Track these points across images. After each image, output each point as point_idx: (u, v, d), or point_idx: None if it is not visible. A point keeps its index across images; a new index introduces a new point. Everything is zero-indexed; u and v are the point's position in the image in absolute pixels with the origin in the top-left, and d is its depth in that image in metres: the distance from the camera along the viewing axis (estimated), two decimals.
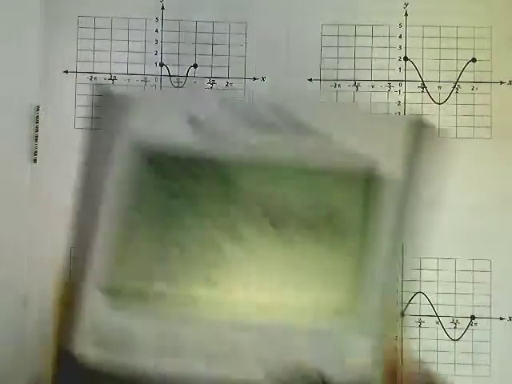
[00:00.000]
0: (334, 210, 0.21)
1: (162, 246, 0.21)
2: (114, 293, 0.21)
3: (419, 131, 0.21)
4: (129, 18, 0.36)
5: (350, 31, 0.36)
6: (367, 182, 0.21)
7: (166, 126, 0.21)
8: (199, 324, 0.21)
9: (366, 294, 0.21)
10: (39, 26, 0.35)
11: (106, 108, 0.22)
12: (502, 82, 0.35)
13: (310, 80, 0.36)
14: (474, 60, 0.36)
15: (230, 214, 0.21)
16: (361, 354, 0.21)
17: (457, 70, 0.36)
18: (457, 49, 0.36)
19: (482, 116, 0.35)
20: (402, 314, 0.35)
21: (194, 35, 0.36)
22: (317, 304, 0.21)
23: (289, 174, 0.21)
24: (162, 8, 0.36)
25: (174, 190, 0.21)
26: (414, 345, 0.34)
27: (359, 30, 0.36)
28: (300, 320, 0.21)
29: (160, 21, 0.36)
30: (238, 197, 0.21)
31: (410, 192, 0.21)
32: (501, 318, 0.34)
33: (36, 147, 0.35)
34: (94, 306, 0.21)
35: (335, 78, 0.36)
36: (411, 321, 0.34)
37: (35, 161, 0.35)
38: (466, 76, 0.36)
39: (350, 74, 0.36)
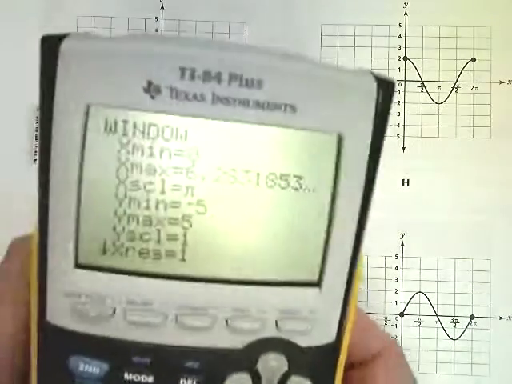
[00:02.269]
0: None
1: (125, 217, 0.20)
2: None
3: (384, 91, 0.20)
4: (129, 18, 0.36)
5: (350, 31, 0.36)
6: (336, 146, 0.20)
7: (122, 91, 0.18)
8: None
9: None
10: (39, 26, 0.35)
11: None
12: (501, 82, 0.35)
13: None
14: (473, 60, 0.36)
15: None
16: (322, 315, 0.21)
17: (456, 70, 0.36)
18: (456, 48, 0.36)
19: (482, 116, 0.35)
20: (402, 314, 0.35)
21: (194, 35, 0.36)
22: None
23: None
24: (162, 8, 0.36)
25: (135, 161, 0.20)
26: (414, 344, 0.34)
27: (359, 29, 0.36)
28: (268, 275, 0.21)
29: (160, 21, 0.36)
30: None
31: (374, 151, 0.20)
32: (500, 318, 0.34)
33: (36, 147, 0.35)
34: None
35: None
36: (411, 320, 0.35)
37: (35, 161, 0.35)
38: (465, 76, 0.36)
39: None
